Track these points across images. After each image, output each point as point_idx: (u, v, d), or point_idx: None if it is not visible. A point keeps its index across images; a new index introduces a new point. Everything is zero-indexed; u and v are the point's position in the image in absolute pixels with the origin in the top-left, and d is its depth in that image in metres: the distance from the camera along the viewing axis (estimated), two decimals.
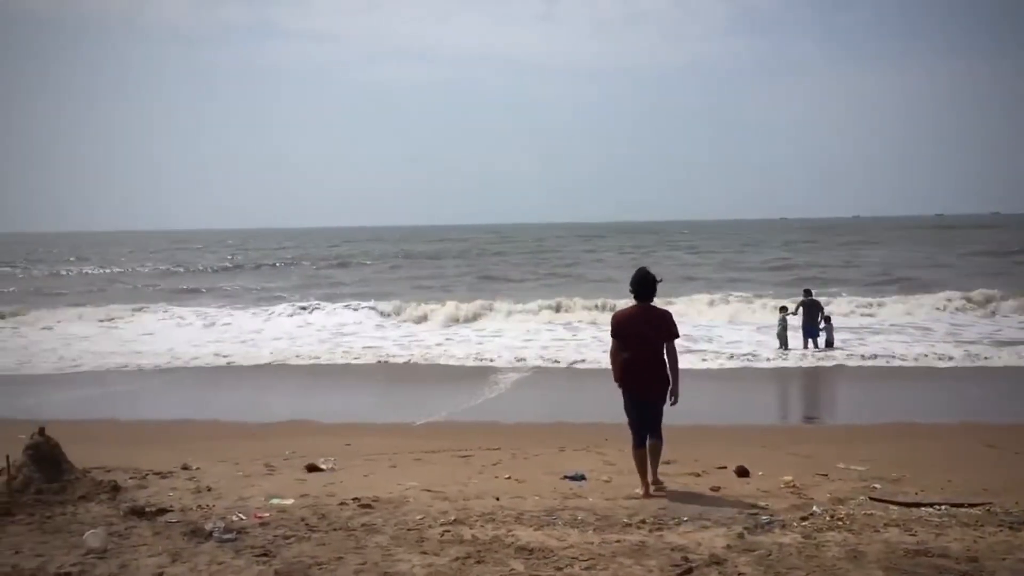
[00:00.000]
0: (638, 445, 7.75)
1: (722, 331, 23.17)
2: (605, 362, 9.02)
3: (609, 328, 7.92)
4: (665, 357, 7.68)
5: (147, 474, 8.23)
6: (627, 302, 7.91)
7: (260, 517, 6.52)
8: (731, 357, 18.53)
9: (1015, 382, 15.47)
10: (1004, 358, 17.60)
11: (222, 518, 6.44)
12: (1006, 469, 8.34)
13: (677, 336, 7.79)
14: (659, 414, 7.79)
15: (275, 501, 7.12)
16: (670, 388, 7.70)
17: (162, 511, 6.67)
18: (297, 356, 19.86)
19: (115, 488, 7.40)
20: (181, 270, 55.89)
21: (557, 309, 27.73)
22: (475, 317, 27.07)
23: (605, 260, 57.87)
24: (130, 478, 7.99)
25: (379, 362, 18.98)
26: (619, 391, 7.81)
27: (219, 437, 11.21)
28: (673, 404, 7.79)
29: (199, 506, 6.93)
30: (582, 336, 22.48)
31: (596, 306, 27.36)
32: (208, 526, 6.18)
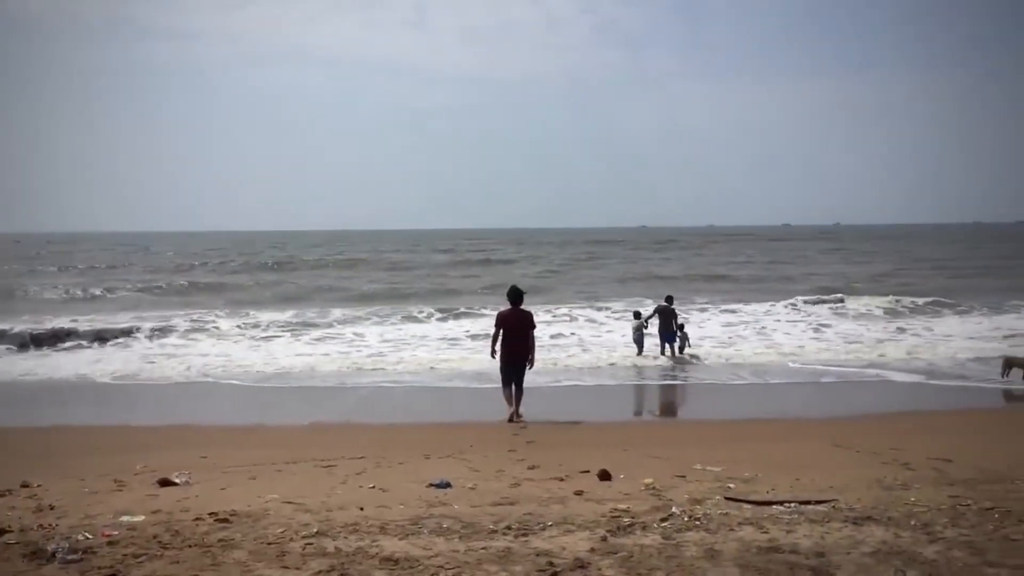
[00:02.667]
0: (506, 386, 12.94)
1: (584, 334, 23.82)
2: None
3: (495, 321, 13.29)
4: (527, 340, 12.97)
5: None
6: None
7: (108, 535, 6.16)
8: (593, 367, 18.92)
9: (861, 383, 16.39)
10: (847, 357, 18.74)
11: (66, 538, 6.05)
12: (850, 467, 8.80)
13: (535, 327, 13.30)
14: (523, 374, 13.00)
15: (125, 518, 6.74)
16: (529, 358, 13.03)
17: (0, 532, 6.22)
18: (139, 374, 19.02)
19: None
20: None
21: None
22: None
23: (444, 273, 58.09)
24: None
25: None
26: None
27: (63, 453, 10.59)
28: (530, 368, 13.18)
29: (41, 526, 6.48)
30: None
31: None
32: (50, 547, 5.78)
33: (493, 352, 13.05)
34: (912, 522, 6.25)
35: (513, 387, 12.83)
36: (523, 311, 13.06)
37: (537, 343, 13.53)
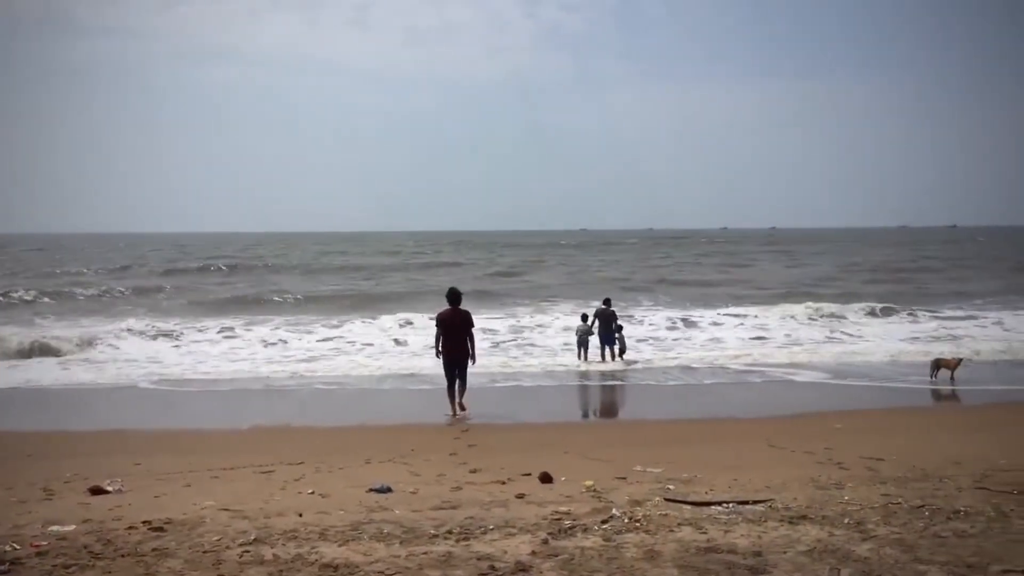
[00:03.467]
0: (450, 385, 13.55)
1: (530, 335, 23.96)
2: None
3: (435, 321, 13.99)
4: (466, 339, 13.61)
5: None
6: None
7: (37, 546, 5.98)
8: (534, 370, 19.00)
9: (794, 383, 16.71)
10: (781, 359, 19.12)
11: None
12: (786, 467, 8.96)
13: (473, 326, 13.84)
14: (465, 370, 13.63)
15: (54, 528, 6.55)
16: (470, 355, 13.68)
17: None
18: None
19: None
20: None
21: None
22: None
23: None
24: None
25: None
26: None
27: None
28: (472, 364, 13.80)
29: None
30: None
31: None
32: None
33: (437, 352, 13.79)
34: (846, 520, 6.38)
35: (457, 383, 13.56)
36: (461, 311, 13.75)
37: (478, 345, 14.20)
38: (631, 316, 26.03)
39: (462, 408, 13.49)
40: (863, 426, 12.08)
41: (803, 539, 5.91)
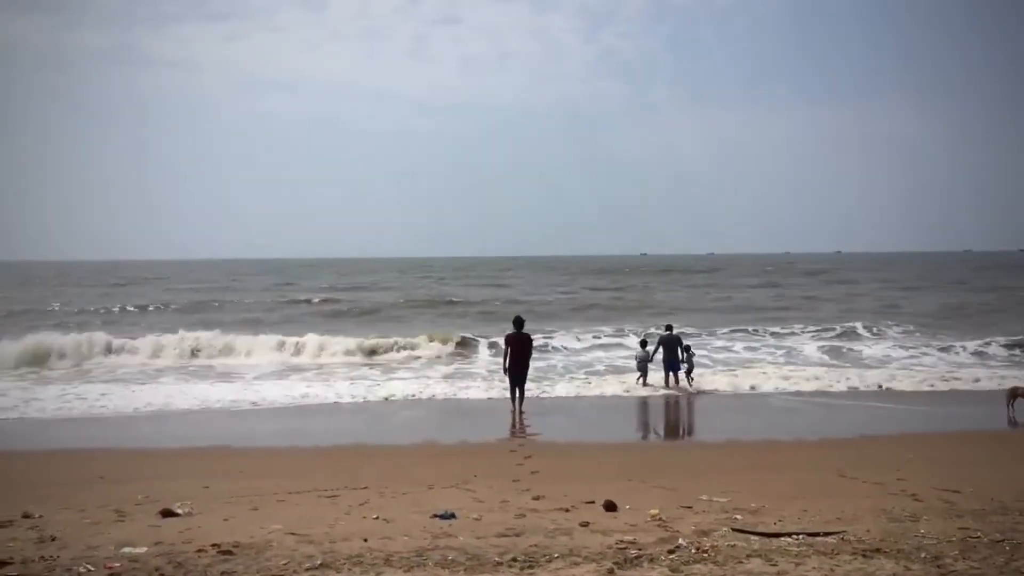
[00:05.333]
0: (512, 391, 16.40)
1: (596, 354, 24.03)
2: None
3: (503, 342, 16.98)
4: (527, 357, 16.59)
5: None
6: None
7: (110, 568, 6.11)
8: (599, 394, 18.92)
9: (869, 409, 16.33)
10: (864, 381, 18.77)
11: (68, 570, 6.01)
12: (857, 498, 8.73)
13: (532, 345, 17.10)
14: (524, 383, 16.56)
15: (126, 550, 6.69)
16: (527, 372, 16.62)
17: (1, 564, 6.16)
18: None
19: None
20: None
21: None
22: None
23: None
24: None
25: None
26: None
27: (62, 483, 10.50)
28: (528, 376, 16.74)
29: (42, 557, 6.43)
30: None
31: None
32: None
33: (505, 368, 16.57)
34: (922, 555, 6.20)
35: (516, 392, 16.36)
36: (524, 334, 16.72)
37: (534, 365, 17.66)
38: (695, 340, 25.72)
39: (521, 412, 15.96)
40: (936, 455, 11.74)
41: (877, 573, 5.75)
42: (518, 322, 16.75)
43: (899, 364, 23.31)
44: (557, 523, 7.68)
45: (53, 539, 7.10)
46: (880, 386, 19.11)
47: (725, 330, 30.47)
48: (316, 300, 50.60)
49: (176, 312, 43.59)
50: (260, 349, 26.61)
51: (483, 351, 26.58)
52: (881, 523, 7.39)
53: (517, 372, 16.41)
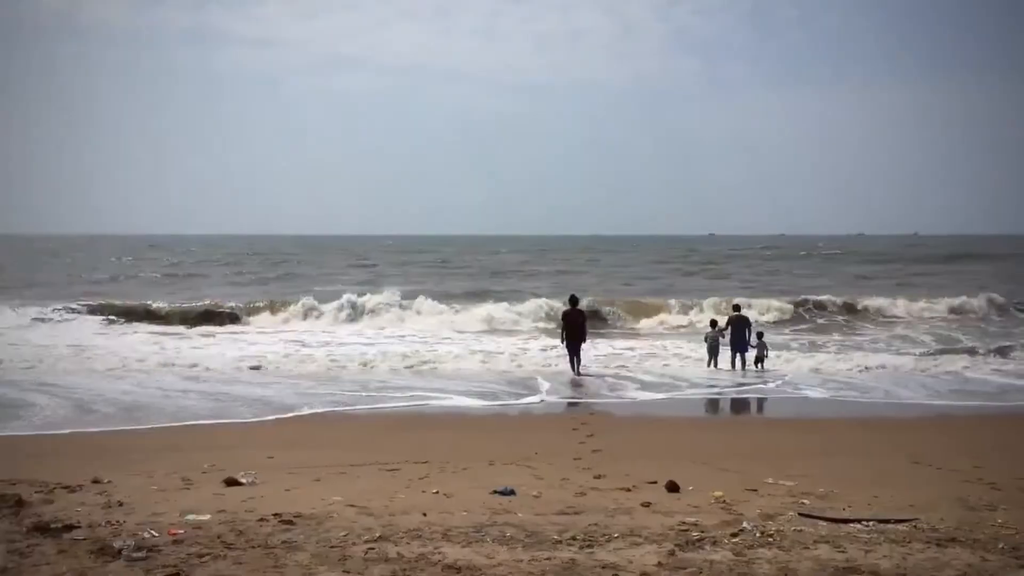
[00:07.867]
0: (570, 356, 18.24)
1: (664, 341, 23.72)
2: None
3: (560, 317, 19.39)
4: (581, 330, 18.40)
5: (54, 488, 7.83)
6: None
7: (174, 534, 6.20)
8: (663, 375, 18.67)
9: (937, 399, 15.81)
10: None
11: (133, 535, 6.11)
12: (931, 485, 8.43)
13: (585, 319, 19.04)
14: (579, 350, 18.27)
15: (190, 517, 6.79)
16: (583, 339, 18.41)
17: (68, 527, 6.30)
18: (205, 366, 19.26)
19: (19, 503, 7.01)
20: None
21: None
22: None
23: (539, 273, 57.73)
24: (36, 492, 7.57)
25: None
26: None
27: (133, 449, 10.74)
28: (584, 343, 18.49)
29: (109, 522, 6.56)
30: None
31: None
32: (117, 543, 5.84)
33: (562, 338, 18.48)
34: (1000, 545, 5.95)
35: (574, 359, 18.24)
36: (578, 310, 18.91)
37: (592, 346, 19.89)
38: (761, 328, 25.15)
39: (579, 373, 18.00)
40: (1016, 443, 11.30)
41: (952, 563, 5.51)
42: (573, 300, 19.06)
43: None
44: (618, 502, 7.57)
45: (120, 504, 7.25)
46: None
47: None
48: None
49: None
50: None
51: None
52: (956, 511, 7.12)
53: (573, 342, 18.25)
